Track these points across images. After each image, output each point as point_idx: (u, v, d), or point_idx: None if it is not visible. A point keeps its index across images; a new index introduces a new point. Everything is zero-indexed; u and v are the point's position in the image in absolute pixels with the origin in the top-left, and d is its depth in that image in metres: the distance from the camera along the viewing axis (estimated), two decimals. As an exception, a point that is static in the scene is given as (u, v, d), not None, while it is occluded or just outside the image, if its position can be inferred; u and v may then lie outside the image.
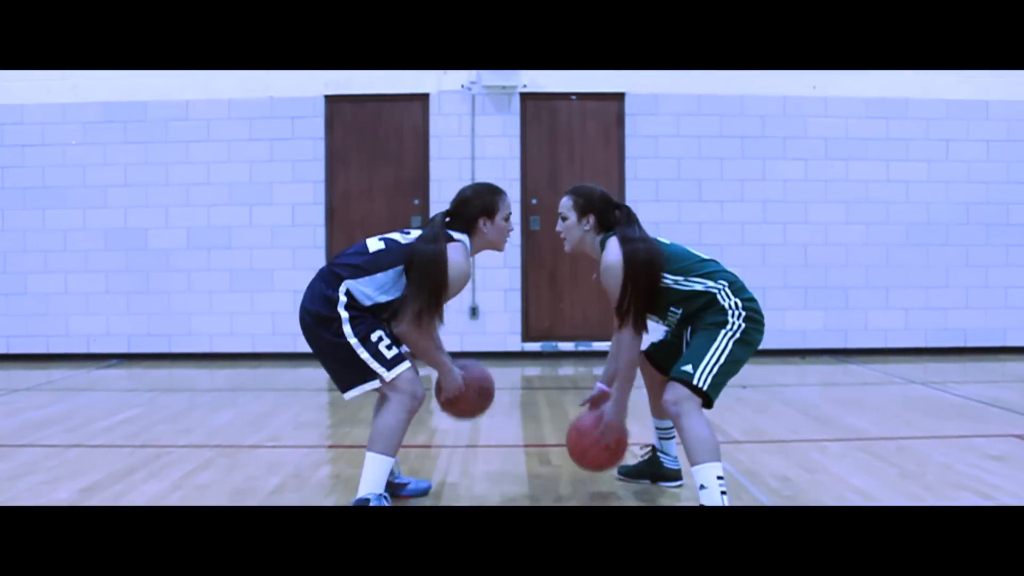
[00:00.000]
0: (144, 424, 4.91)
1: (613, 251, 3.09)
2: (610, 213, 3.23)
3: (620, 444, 3.23)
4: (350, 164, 7.93)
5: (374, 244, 3.20)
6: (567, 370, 7.36)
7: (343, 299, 3.09)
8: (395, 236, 3.25)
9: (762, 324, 3.11)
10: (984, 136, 7.99)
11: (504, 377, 7.05)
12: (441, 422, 4.80)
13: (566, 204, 3.27)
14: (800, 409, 5.25)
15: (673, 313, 3.16)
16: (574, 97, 7.91)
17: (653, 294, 3.07)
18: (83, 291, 7.89)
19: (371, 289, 3.11)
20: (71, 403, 5.75)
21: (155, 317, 7.90)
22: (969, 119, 7.97)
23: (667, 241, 3.22)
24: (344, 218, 7.84)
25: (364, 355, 3.06)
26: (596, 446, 3.21)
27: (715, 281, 3.10)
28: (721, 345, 3.01)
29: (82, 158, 7.85)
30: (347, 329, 3.06)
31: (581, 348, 7.96)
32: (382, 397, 3.16)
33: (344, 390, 3.14)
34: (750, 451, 4.08)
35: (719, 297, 3.07)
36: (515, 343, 7.94)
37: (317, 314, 3.10)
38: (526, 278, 7.94)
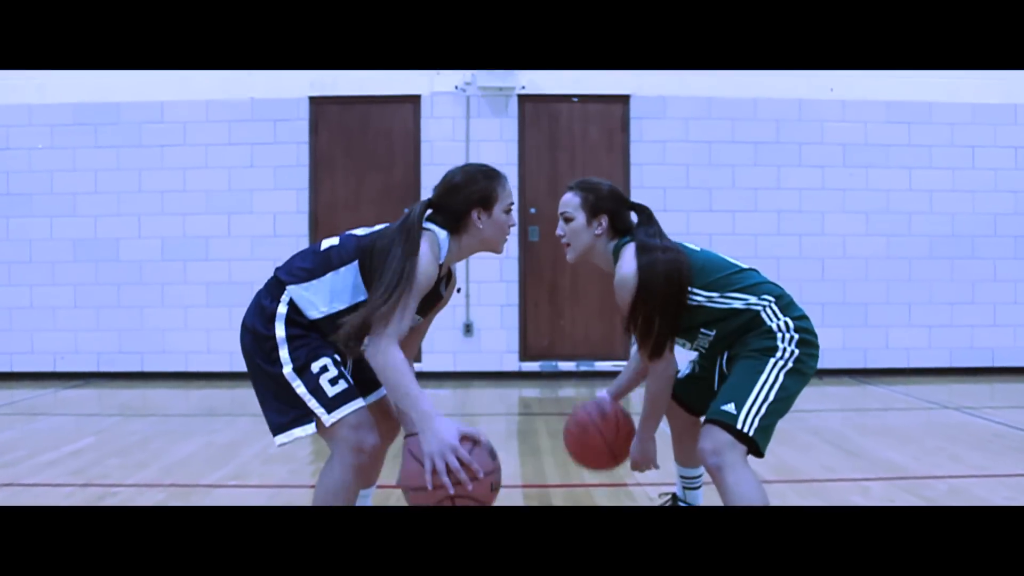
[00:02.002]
0: (94, 457, 4.38)
1: (629, 262, 2.55)
2: (624, 214, 2.68)
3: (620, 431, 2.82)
4: (336, 170, 7.44)
5: (328, 242, 2.59)
6: (568, 391, 6.86)
7: (283, 311, 2.46)
8: (356, 231, 2.62)
9: (817, 348, 2.59)
10: (1013, 142, 7.54)
11: (500, 400, 6.58)
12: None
13: (571, 202, 2.67)
14: (829, 440, 4.73)
15: (704, 335, 2.61)
16: (576, 99, 7.44)
17: (679, 314, 2.54)
18: (50, 305, 7.39)
19: (320, 296, 2.47)
20: (22, 430, 5.22)
21: (127, 333, 7.40)
22: (997, 124, 7.52)
23: (696, 247, 2.67)
24: (329, 228, 7.28)
25: (300, 389, 2.41)
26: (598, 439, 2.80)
27: (758, 296, 2.55)
28: (770, 377, 2.47)
29: (49, 163, 7.38)
30: (283, 353, 2.43)
31: (583, 368, 7.45)
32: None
33: (273, 433, 2.47)
34: (782, 493, 3.54)
35: (764, 316, 2.54)
36: (512, 362, 7.43)
37: (254, 331, 2.50)
38: (524, 292, 7.42)
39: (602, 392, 2.90)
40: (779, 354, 2.50)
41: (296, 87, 7.35)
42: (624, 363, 7.56)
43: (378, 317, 2.37)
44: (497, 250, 2.67)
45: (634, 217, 2.72)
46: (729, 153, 7.43)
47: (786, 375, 2.48)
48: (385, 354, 2.37)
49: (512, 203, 2.64)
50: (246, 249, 7.34)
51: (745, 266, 2.65)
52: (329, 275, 2.49)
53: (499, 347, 7.41)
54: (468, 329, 7.39)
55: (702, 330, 2.60)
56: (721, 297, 2.56)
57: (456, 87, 7.36)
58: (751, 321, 2.54)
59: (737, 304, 2.55)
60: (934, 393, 6.53)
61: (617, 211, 2.66)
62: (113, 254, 7.38)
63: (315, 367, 2.42)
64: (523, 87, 7.37)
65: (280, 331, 2.45)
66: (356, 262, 2.49)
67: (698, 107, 7.43)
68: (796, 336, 2.52)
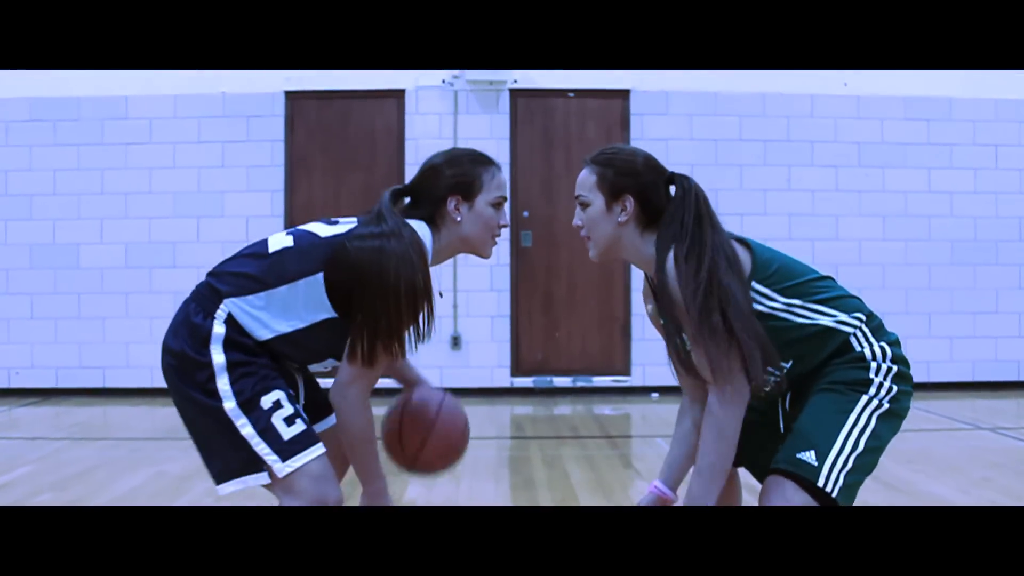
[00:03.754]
0: (27, 491, 3.85)
1: (671, 258, 1.97)
2: (658, 193, 2.06)
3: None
4: (314, 171, 6.94)
5: (278, 241, 2.09)
6: (564, 409, 6.37)
7: (220, 331, 1.97)
8: (313, 227, 2.11)
9: (912, 383, 2.05)
10: (1039, 141, 7.08)
11: (490, 419, 6.08)
12: (410, 490, 3.76)
13: (586, 182, 2.08)
14: (859, 468, 4.22)
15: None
16: (572, 94, 6.97)
17: (750, 304, 1.96)
18: (4, 316, 6.88)
19: (271, 313, 2.00)
20: (-46, 457, 4.69)
21: (88, 347, 6.88)
22: (1021, 121, 7.07)
23: (757, 242, 2.08)
24: (306, 232, 6.84)
25: (247, 430, 1.93)
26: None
27: (848, 314, 2.00)
28: (860, 420, 1.94)
29: (3, 162, 6.87)
30: (222, 384, 1.94)
31: (580, 384, 6.94)
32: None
33: (216, 480, 2.00)
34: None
35: (855, 341, 2.00)
36: (503, 378, 6.92)
37: (182, 356, 1.99)
38: (516, 302, 6.91)
39: (655, 486, 2.17)
40: (872, 390, 1.96)
41: (271, 81, 6.86)
42: (624, 379, 7.20)
43: (373, 346, 1.97)
44: (482, 252, 2.19)
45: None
46: (736, 152, 6.96)
47: (879, 419, 1.95)
48: (359, 410, 2.01)
49: (503, 197, 2.18)
50: (216, 255, 6.63)
51: (823, 273, 2.08)
52: (284, 288, 2.01)
53: (489, 361, 6.90)
54: (455, 342, 6.88)
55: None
56: (804, 308, 1.98)
57: (443, 81, 6.89)
58: (840, 346, 1.99)
59: (825, 320, 1.98)
60: (960, 410, 6.08)
61: (646, 190, 2.04)
62: (73, 261, 6.87)
63: (265, 402, 1.97)
64: (515, 81, 6.90)
65: (218, 356, 1.97)
66: (320, 274, 2.00)
67: (703, 103, 6.97)
68: (893, 368, 1.99)
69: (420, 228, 2.08)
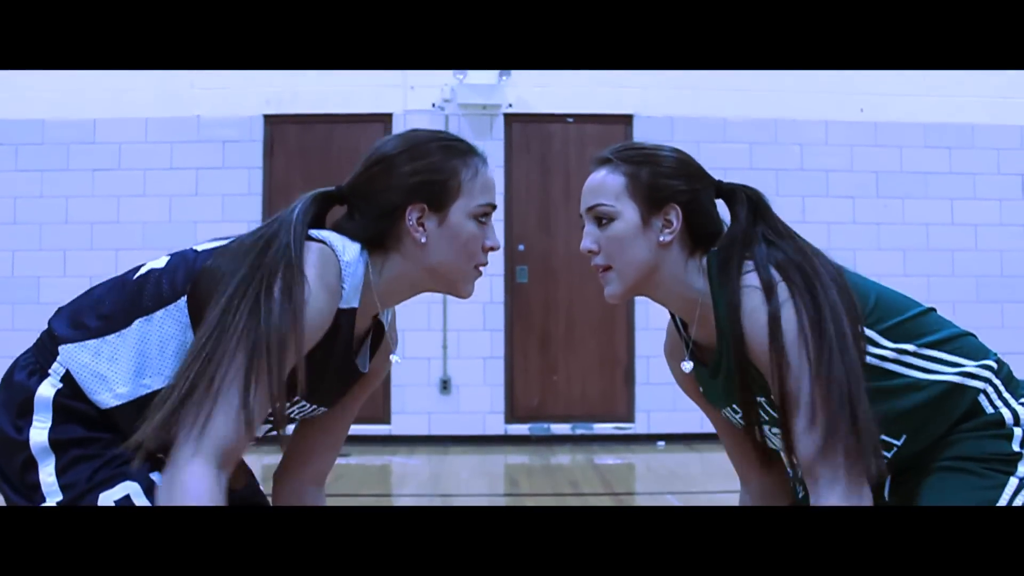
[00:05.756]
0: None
1: (758, 294, 1.41)
2: (710, 204, 1.54)
3: None
4: (293, 199, 6.40)
5: (151, 264, 1.53)
6: (562, 459, 5.91)
7: (47, 393, 1.40)
8: (201, 244, 1.55)
9: None
10: (1068, 170, 6.70)
11: (482, 471, 5.69)
12: None
13: (610, 185, 1.50)
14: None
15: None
16: (571, 120, 6.57)
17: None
18: (-42, 355, 6.38)
19: (120, 365, 1.40)
20: None
21: (48, 388, 6.39)
22: (1049, 149, 6.67)
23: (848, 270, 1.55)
24: (285, 266, 6.41)
25: None
26: None
27: (975, 362, 1.46)
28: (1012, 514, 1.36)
29: (-40, 189, 6.42)
30: (44, 474, 1.36)
31: (579, 431, 6.48)
32: None
33: None
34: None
35: (985, 400, 1.46)
36: (497, 425, 6.45)
37: None
38: (511, 343, 6.46)
39: None
40: (1021, 468, 1.40)
41: (249, 104, 6.45)
42: (628, 426, 6.74)
43: (189, 408, 1.29)
44: (457, 290, 1.53)
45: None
46: (747, 181, 6.33)
47: None
48: (182, 485, 1.27)
49: (491, 205, 1.54)
50: (188, 290, 6.38)
51: (928, 306, 1.56)
52: (136, 324, 1.42)
53: (482, 407, 6.43)
54: (445, 386, 6.42)
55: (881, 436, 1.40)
56: (919, 357, 1.44)
57: (433, 104, 6.46)
58: (969, 408, 1.45)
59: (948, 373, 1.43)
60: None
61: (698, 199, 1.50)
62: (33, 295, 6.38)
63: (106, 500, 1.35)
64: (510, 105, 6.48)
65: (38, 432, 1.38)
66: (184, 299, 1.43)
67: (711, 129, 6.56)
68: None
69: (342, 250, 1.43)
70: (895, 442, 1.46)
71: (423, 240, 1.47)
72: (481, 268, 1.53)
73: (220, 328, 1.32)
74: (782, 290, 1.41)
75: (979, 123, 6.65)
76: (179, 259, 1.51)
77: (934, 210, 6.62)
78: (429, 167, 1.48)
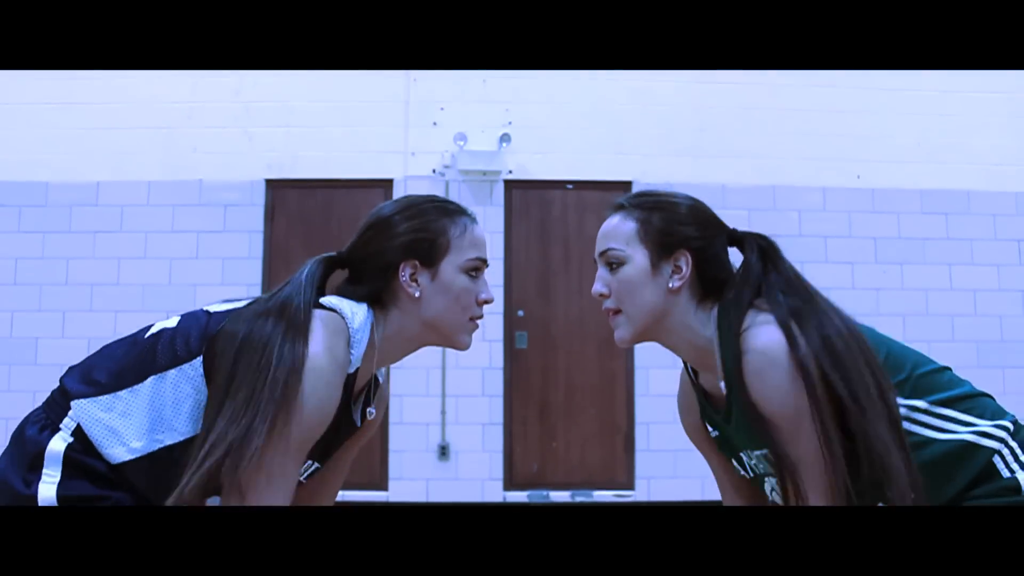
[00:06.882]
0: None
1: (777, 341, 1.39)
2: (722, 253, 1.55)
3: None
4: (293, 263, 6.40)
5: (163, 323, 1.57)
6: (562, 527, 5.76)
7: (58, 447, 1.40)
8: (213, 305, 1.61)
9: None
10: (1064, 236, 6.72)
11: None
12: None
13: (622, 230, 1.52)
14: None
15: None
16: (570, 186, 6.58)
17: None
18: (-48, 417, 6.30)
19: (132, 421, 1.41)
20: None
21: (41, 451, 6.28)
22: (1044, 216, 6.71)
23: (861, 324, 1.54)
24: (284, 329, 6.34)
25: None
26: None
27: (991, 422, 1.42)
28: None
29: (-39, 251, 6.43)
30: None
31: (579, 499, 6.35)
32: None
33: None
34: None
35: (999, 462, 1.41)
36: (495, 492, 6.33)
37: (3, 486, 1.41)
38: (510, 409, 6.37)
39: None
40: None
41: (251, 168, 6.49)
42: (628, 493, 6.59)
43: (226, 475, 1.34)
44: (455, 341, 1.60)
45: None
46: None
47: None
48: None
49: (481, 260, 1.60)
50: (186, 353, 6.32)
51: (940, 363, 1.53)
52: (150, 381, 1.45)
53: (480, 473, 6.32)
54: (443, 452, 6.32)
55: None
56: (931, 415, 1.42)
57: (434, 171, 6.50)
58: (983, 468, 1.40)
59: (963, 433, 1.40)
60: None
61: (709, 246, 1.52)
62: (30, 356, 6.35)
63: None
64: (510, 171, 6.52)
65: (47, 488, 1.38)
66: (199, 359, 1.46)
67: (710, 195, 6.36)
68: None
69: (351, 315, 1.49)
70: None
71: (417, 295, 1.55)
72: (477, 320, 1.61)
73: (252, 389, 1.38)
74: (790, 347, 1.40)
75: (975, 189, 6.69)
76: (191, 320, 1.54)
77: (933, 275, 6.61)
78: (420, 226, 1.57)
